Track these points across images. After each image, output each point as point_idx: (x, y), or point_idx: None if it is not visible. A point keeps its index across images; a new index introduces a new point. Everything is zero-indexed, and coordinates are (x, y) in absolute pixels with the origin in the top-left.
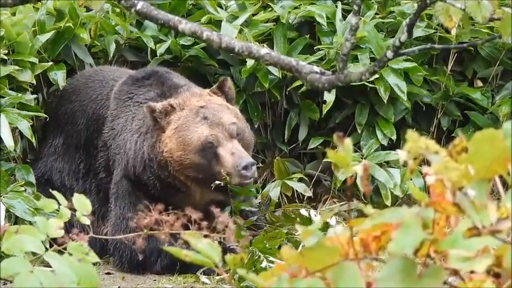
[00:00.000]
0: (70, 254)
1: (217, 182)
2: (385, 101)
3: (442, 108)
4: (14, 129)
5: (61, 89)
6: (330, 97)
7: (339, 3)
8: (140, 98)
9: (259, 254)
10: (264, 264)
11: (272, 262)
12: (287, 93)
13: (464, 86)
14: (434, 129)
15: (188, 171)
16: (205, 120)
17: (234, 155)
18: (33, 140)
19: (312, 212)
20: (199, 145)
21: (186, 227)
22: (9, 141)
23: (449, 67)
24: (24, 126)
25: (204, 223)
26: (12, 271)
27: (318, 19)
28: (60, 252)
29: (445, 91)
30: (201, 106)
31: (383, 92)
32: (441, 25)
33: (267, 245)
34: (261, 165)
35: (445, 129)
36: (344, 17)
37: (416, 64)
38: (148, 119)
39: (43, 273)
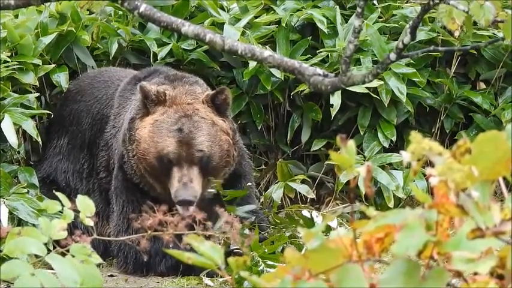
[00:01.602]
0: (73, 256)
1: (211, 191)
2: (386, 104)
3: (445, 111)
4: (17, 131)
5: (64, 91)
6: (336, 101)
7: (337, 7)
8: None
9: (258, 258)
10: (261, 268)
11: (270, 266)
12: (290, 95)
13: (467, 88)
14: (437, 132)
15: (145, 165)
16: (179, 133)
17: (180, 184)
18: (39, 139)
19: (315, 213)
20: (160, 154)
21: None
22: (13, 140)
23: (453, 70)
24: (29, 126)
25: (209, 223)
26: (13, 274)
27: (317, 23)
28: (64, 254)
29: (448, 94)
30: (186, 114)
31: (384, 95)
32: (444, 27)
33: (266, 250)
34: (264, 167)
35: (447, 131)
36: (346, 20)
37: (415, 70)
38: (139, 100)
39: (44, 275)
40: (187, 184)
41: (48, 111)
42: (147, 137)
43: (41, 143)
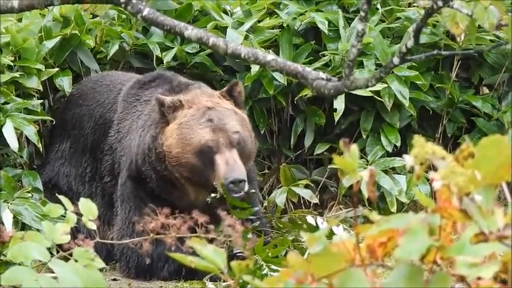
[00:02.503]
0: (76, 260)
1: (213, 195)
2: (389, 108)
3: (447, 115)
4: (20, 135)
5: (67, 95)
6: (339, 105)
7: (340, 11)
8: (148, 97)
9: (262, 262)
10: (265, 271)
11: (274, 270)
12: (293, 99)
13: (469, 93)
14: (439, 136)
15: (183, 170)
16: (210, 122)
17: (228, 166)
18: (40, 145)
19: (319, 220)
20: (198, 147)
21: (193, 230)
22: (14, 144)
23: (454, 74)
24: (31, 132)
25: (211, 226)
26: (16, 280)
27: (320, 26)
28: (67, 258)
29: (450, 98)
30: (209, 107)
31: (387, 99)
32: (447, 32)
33: (269, 254)
34: (267, 171)
35: (450, 135)
36: (348, 24)
37: (418, 73)
38: (156, 112)
39: (48, 281)
40: (234, 164)
41: (51, 118)
42: (176, 142)
43: (42, 149)
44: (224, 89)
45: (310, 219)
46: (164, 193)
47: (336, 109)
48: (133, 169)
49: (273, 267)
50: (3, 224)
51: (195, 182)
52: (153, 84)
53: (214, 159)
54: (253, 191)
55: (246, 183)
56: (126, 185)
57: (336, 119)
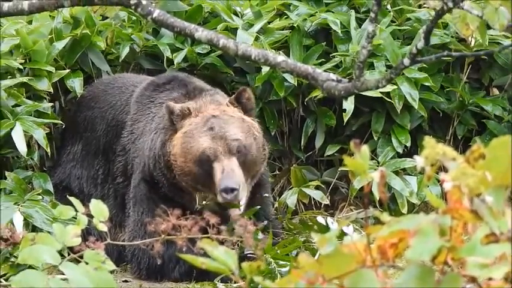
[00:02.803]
0: (86, 263)
1: (204, 202)
2: (399, 110)
3: (457, 117)
4: (31, 137)
5: (79, 96)
6: (349, 106)
7: (352, 12)
8: (161, 100)
9: (271, 260)
10: (272, 267)
11: (283, 266)
12: (304, 100)
13: (479, 95)
14: (450, 137)
15: (187, 179)
16: (211, 131)
17: (223, 174)
18: (48, 150)
19: (329, 219)
20: (197, 156)
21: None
22: (22, 148)
23: (465, 76)
24: (40, 135)
25: (222, 227)
26: (28, 283)
27: (332, 26)
28: (77, 261)
29: (460, 101)
30: (213, 115)
31: (397, 100)
32: (456, 34)
33: (278, 251)
34: (277, 172)
35: (460, 137)
36: (359, 25)
37: (427, 75)
38: (166, 119)
39: (59, 283)
40: (229, 173)
41: (61, 122)
42: (180, 151)
43: (50, 153)
44: (233, 96)
45: (320, 219)
46: (177, 197)
47: (345, 110)
48: (146, 172)
49: (281, 263)
50: (13, 225)
51: (199, 189)
52: (168, 86)
53: (213, 167)
54: (266, 194)
55: (241, 192)
56: (140, 187)
57: (345, 119)
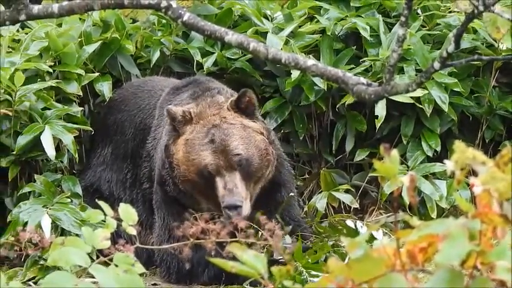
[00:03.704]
0: (116, 266)
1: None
2: (429, 114)
3: (486, 122)
4: (61, 140)
5: (107, 100)
6: (381, 112)
7: (380, 17)
8: (176, 102)
9: (302, 268)
10: (304, 277)
11: (314, 276)
12: (333, 104)
13: (508, 100)
14: (479, 141)
15: (189, 186)
16: (212, 144)
17: (225, 190)
18: (76, 156)
19: (359, 223)
20: (200, 169)
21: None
22: (51, 152)
23: (492, 81)
24: (68, 141)
25: (251, 231)
26: (58, 285)
27: (361, 32)
28: (106, 263)
29: (488, 105)
30: (214, 125)
31: (427, 105)
32: (485, 40)
33: (309, 260)
34: (307, 176)
35: (487, 141)
36: (389, 29)
37: (457, 80)
38: (168, 123)
39: (88, 286)
40: (232, 190)
41: (90, 128)
42: (183, 159)
43: (77, 159)
44: (233, 98)
45: (349, 223)
46: (182, 200)
47: (377, 116)
48: (157, 175)
49: (313, 273)
50: (41, 229)
51: (202, 195)
52: (184, 89)
53: (215, 182)
54: (292, 194)
55: (245, 207)
56: (157, 191)
57: (378, 125)
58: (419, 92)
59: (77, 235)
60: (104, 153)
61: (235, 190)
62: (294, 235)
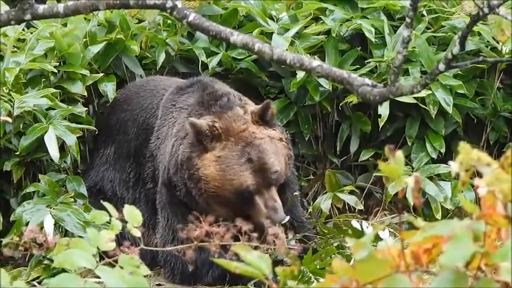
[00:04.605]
0: (121, 267)
1: None
2: (433, 116)
3: (490, 123)
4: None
5: (110, 101)
6: (384, 111)
7: (385, 18)
8: (182, 104)
9: (310, 274)
10: (314, 283)
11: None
12: (338, 105)
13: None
14: (484, 143)
15: (218, 199)
16: (250, 163)
17: (269, 209)
18: (78, 158)
19: (365, 224)
20: (239, 190)
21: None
22: (54, 153)
23: (497, 83)
24: (72, 142)
25: (254, 234)
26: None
27: (366, 33)
28: (111, 265)
29: (493, 107)
30: (247, 143)
31: (431, 106)
32: (488, 42)
33: (317, 266)
34: (312, 177)
35: (492, 142)
36: (394, 31)
37: (461, 82)
38: (193, 137)
39: (95, 287)
40: (275, 207)
41: (94, 128)
42: (216, 176)
43: (79, 160)
44: (256, 110)
45: (355, 223)
46: (191, 204)
47: (380, 115)
48: (165, 177)
49: (321, 280)
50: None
51: (228, 208)
52: (189, 90)
53: (254, 199)
54: (296, 193)
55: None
56: (162, 192)
57: (381, 125)
58: (423, 92)
59: (80, 236)
60: (106, 153)
61: (277, 206)
62: (298, 235)
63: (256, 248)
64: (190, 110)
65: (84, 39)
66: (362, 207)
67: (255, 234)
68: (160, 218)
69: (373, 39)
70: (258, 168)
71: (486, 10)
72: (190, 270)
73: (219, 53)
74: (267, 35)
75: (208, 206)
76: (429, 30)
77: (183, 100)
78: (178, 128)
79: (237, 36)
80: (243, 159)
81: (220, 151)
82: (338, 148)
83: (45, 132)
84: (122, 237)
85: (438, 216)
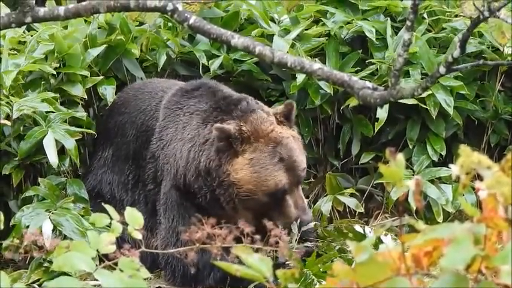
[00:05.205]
0: (121, 270)
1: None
2: (434, 117)
3: (491, 126)
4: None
5: (109, 104)
6: (382, 114)
7: (388, 19)
8: (191, 109)
9: (313, 277)
10: (311, 279)
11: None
12: (339, 108)
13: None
14: (485, 146)
15: (249, 203)
16: (282, 162)
17: (298, 209)
18: (77, 161)
19: (367, 229)
20: (274, 190)
21: (238, 240)
22: (53, 158)
23: (498, 85)
24: (71, 145)
25: (257, 236)
26: None
27: (368, 35)
28: (111, 268)
29: (494, 109)
30: (276, 142)
31: (432, 107)
32: (490, 43)
33: (321, 269)
34: (312, 179)
35: (492, 145)
36: (396, 33)
37: (462, 83)
38: (221, 142)
39: None
40: (304, 207)
41: (93, 132)
42: (250, 179)
43: (79, 164)
44: (281, 111)
45: (358, 228)
46: (213, 209)
47: (378, 118)
48: (180, 181)
49: (323, 282)
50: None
51: (257, 212)
52: (196, 93)
53: (285, 199)
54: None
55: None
56: (171, 193)
57: (377, 128)
58: (423, 93)
59: None
60: (104, 155)
61: (305, 206)
62: (298, 238)
63: (258, 250)
64: (205, 116)
65: (84, 40)
66: (363, 210)
67: (257, 236)
68: (163, 219)
69: (374, 41)
70: (289, 166)
71: (487, 13)
72: (191, 272)
73: (220, 55)
74: (268, 37)
75: (234, 211)
76: (430, 33)
77: (191, 104)
78: (193, 133)
79: (237, 39)
80: (275, 159)
81: (251, 153)
82: (341, 151)
83: (45, 136)
84: (122, 240)
85: (440, 219)
